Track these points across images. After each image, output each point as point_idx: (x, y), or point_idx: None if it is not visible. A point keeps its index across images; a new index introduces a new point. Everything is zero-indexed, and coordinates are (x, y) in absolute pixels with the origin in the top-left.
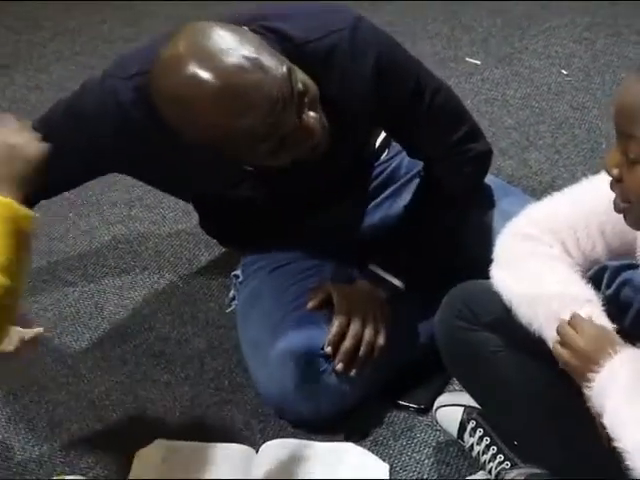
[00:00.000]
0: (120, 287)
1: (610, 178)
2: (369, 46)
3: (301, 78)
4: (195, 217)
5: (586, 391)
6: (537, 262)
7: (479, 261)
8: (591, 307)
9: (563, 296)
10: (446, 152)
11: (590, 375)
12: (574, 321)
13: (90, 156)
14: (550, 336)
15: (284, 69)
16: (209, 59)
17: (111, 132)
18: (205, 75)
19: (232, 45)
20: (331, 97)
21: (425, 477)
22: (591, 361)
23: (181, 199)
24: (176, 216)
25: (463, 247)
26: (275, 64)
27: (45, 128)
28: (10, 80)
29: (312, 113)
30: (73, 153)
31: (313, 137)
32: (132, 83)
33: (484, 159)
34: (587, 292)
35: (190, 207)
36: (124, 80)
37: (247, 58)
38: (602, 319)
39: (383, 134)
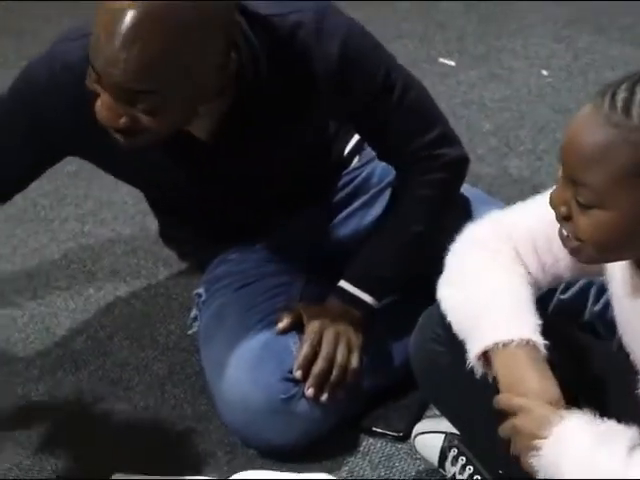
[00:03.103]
0: (73, 310)
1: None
2: (336, 30)
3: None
4: (153, 233)
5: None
6: (488, 279)
7: None
8: (528, 350)
9: (505, 322)
10: (416, 154)
11: (537, 443)
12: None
13: (39, 132)
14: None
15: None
16: None
17: (58, 97)
18: None
19: None
20: (291, 76)
21: None
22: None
23: (133, 186)
24: (132, 232)
25: (437, 260)
26: None
27: None
28: None
29: (108, 100)
30: (24, 140)
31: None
32: (82, 42)
33: (458, 166)
34: (532, 325)
35: (147, 222)
36: (73, 41)
37: None
38: (538, 356)
39: (353, 140)
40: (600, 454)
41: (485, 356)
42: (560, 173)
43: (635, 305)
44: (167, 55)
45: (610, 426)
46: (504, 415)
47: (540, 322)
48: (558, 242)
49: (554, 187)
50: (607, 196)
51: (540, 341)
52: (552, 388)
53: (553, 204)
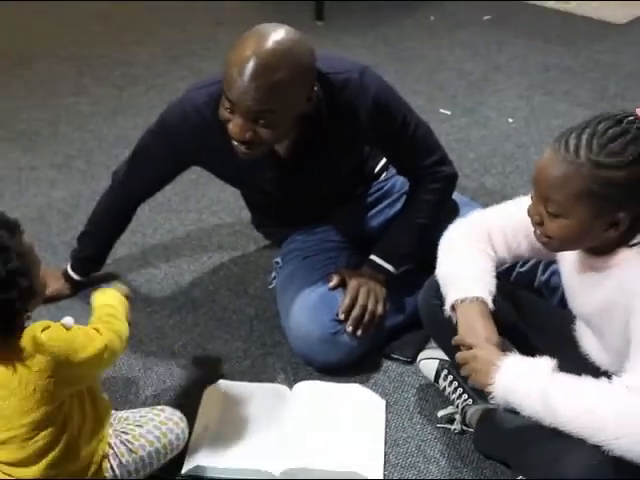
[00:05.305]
0: (193, 270)
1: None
2: (371, 85)
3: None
4: (247, 221)
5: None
6: (460, 257)
7: None
8: (479, 305)
9: (464, 285)
10: (422, 171)
11: (490, 379)
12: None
13: (174, 155)
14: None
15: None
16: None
17: (190, 131)
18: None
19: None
20: (341, 116)
21: (411, 410)
22: (488, 374)
23: (235, 187)
24: (233, 220)
25: (434, 241)
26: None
27: (140, 148)
28: (116, 123)
29: (239, 120)
30: (164, 157)
31: (233, 136)
32: (207, 90)
33: (450, 180)
34: (485, 288)
35: (243, 214)
36: (200, 89)
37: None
38: (484, 316)
39: (382, 162)
40: (531, 378)
41: (455, 309)
42: (533, 193)
43: (582, 278)
44: (282, 85)
45: (535, 360)
46: (459, 349)
47: (492, 288)
48: (521, 233)
49: (519, 196)
50: (568, 209)
51: (488, 299)
52: (493, 333)
53: (529, 214)
